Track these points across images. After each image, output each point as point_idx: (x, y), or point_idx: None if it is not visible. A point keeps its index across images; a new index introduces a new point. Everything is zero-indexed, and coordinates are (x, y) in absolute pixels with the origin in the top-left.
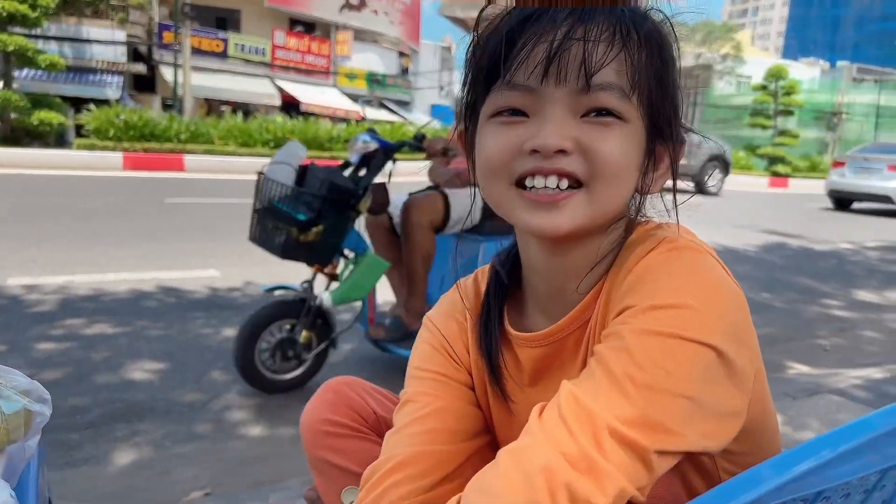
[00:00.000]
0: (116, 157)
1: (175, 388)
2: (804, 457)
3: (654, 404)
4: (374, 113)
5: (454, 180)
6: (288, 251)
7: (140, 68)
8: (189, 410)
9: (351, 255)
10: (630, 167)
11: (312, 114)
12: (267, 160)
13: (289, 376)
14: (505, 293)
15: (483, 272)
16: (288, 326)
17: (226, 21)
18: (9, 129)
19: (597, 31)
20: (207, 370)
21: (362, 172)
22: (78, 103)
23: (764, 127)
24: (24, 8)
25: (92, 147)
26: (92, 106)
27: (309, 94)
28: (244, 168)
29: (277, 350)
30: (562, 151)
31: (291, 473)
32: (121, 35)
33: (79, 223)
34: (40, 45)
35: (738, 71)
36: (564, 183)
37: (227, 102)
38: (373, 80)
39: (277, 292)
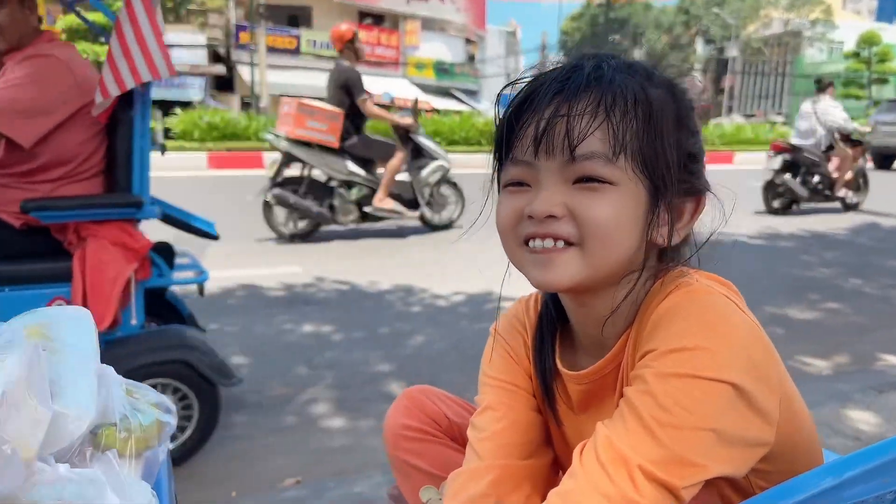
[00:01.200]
0: (201, 157)
1: (263, 381)
2: (827, 474)
3: (679, 442)
4: (441, 103)
5: None
6: None
7: (220, 69)
8: (277, 403)
9: None
10: (622, 227)
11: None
12: None
13: None
14: (555, 327)
15: (538, 296)
16: None
17: (298, 18)
18: None
19: (581, 106)
20: (292, 365)
21: None
22: (164, 106)
23: (858, 97)
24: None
25: (180, 149)
26: (178, 109)
27: (380, 85)
28: None
29: None
30: (552, 216)
31: (374, 464)
32: (201, 39)
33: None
34: None
35: (829, 36)
36: (561, 243)
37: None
38: (440, 69)
39: None
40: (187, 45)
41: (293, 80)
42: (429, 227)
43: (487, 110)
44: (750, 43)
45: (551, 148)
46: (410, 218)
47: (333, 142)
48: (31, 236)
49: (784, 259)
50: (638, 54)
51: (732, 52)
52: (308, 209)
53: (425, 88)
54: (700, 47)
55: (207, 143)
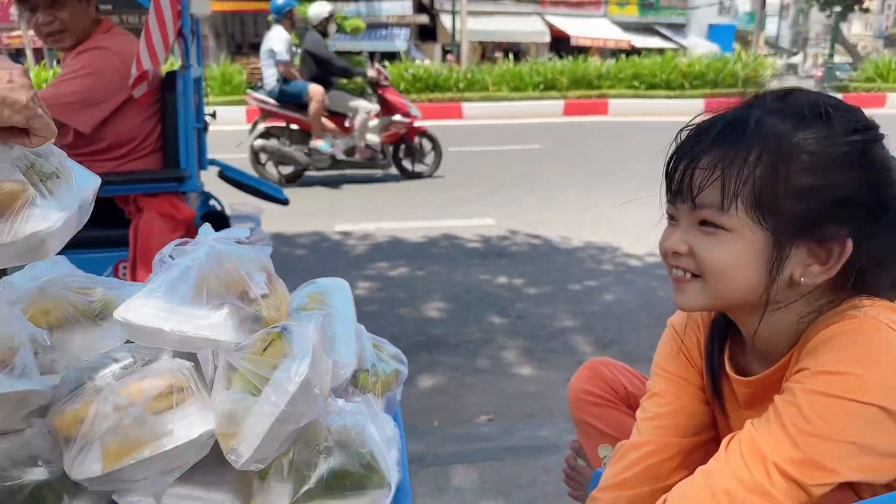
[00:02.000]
0: None
1: (461, 326)
2: None
3: (815, 448)
4: (643, 41)
5: None
6: None
7: (423, 19)
8: (474, 346)
9: None
10: (736, 267)
11: (582, 48)
12: (539, 103)
13: None
14: (726, 332)
15: None
16: None
17: None
18: None
19: (708, 158)
20: (486, 313)
21: None
22: (372, 58)
23: None
24: None
25: None
26: (386, 63)
27: (578, 27)
28: (516, 113)
29: None
30: (676, 253)
31: (559, 412)
32: None
33: (378, 173)
34: (340, 6)
35: None
36: (688, 274)
37: (498, 44)
38: (645, 3)
39: None
40: None
41: (492, 25)
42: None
43: (695, 46)
44: None
45: (682, 193)
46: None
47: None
48: (101, 207)
49: None
50: None
51: None
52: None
53: (626, 26)
54: None
55: (412, 95)
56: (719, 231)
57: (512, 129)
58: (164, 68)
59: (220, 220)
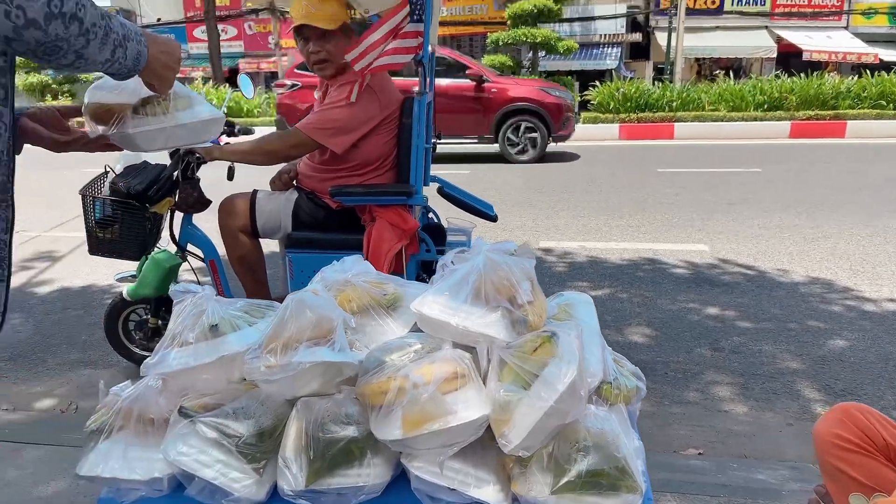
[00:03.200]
0: (614, 128)
1: (669, 354)
2: None
3: None
4: (893, 55)
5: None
6: (93, 248)
7: (636, 37)
8: (683, 377)
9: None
10: None
11: (815, 63)
12: (761, 124)
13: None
14: None
15: None
16: (142, 310)
17: None
18: None
19: None
20: (696, 344)
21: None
22: (583, 77)
23: None
24: (549, 3)
25: (595, 120)
26: (597, 83)
27: (813, 40)
28: (732, 133)
29: (139, 330)
30: None
31: (775, 456)
32: (621, 8)
33: (586, 193)
34: (555, 27)
35: None
36: None
37: (717, 60)
38: None
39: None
40: (608, 15)
41: (711, 41)
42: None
43: None
44: None
45: None
46: None
47: None
48: (343, 215)
49: None
50: None
51: None
52: None
53: (873, 38)
54: None
55: (621, 114)
56: None
57: (729, 151)
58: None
59: (438, 232)
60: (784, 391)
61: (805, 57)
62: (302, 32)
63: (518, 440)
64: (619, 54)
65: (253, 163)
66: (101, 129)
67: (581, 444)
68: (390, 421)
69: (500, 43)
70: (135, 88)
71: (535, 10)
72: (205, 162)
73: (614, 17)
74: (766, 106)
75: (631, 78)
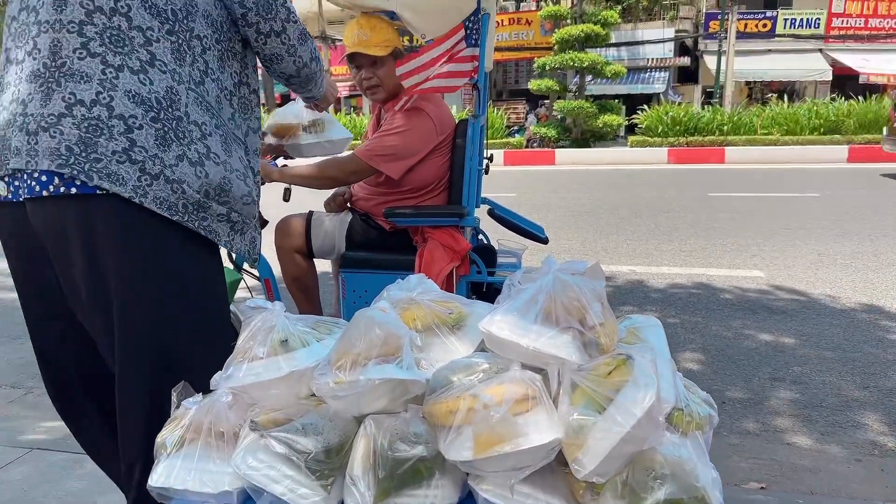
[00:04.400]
0: (662, 151)
1: (727, 383)
2: None
3: None
4: None
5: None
6: None
7: (685, 61)
8: (742, 406)
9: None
10: None
11: (873, 86)
12: (815, 148)
13: None
14: None
15: None
16: None
17: None
18: (579, 133)
19: None
20: (755, 372)
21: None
22: (628, 100)
23: None
24: (596, 28)
25: (643, 144)
26: (645, 107)
27: (871, 63)
28: (786, 158)
29: None
30: None
31: (845, 493)
32: (669, 32)
33: (635, 217)
34: (602, 53)
35: None
36: None
37: (769, 84)
38: None
39: None
40: (656, 40)
41: (762, 64)
42: None
43: None
44: None
45: None
46: None
47: None
48: (396, 236)
49: None
50: None
51: None
52: None
53: None
54: None
55: (669, 138)
56: None
57: (784, 176)
58: (458, 116)
59: (489, 254)
60: (850, 424)
61: (862, 80)
62: (354, 60)
63: (592, 466)
64: (666, 78)
65: (311, 186)
66: (275, 141)
67: (658, 471)
68: (460, 441)
69: (547, 68)
70: (301, 114)
71: (583, 35)
72: (264, 183)
73: (662, 41)
74: (822, 130)
75: (679, 102)
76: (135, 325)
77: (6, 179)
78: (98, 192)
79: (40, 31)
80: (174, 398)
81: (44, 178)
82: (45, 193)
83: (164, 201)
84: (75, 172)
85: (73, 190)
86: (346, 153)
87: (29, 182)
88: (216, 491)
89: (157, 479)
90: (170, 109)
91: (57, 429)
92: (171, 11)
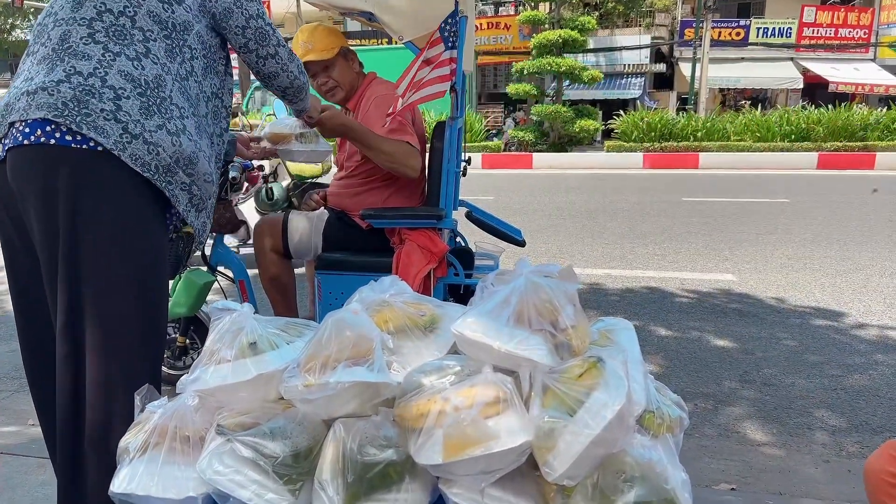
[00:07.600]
0: (637, 156)
1: (698, 385)
2: None
3: None
4: None
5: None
6: None
7: (660, 68)
8: (713, 408)
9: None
10: None
11: (842, 95)
12: (787, 155)
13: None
14: None
15: None
16: (171, 328)
17: (749, 7)
18: (556, 137)
19: None
20: (725, 375)
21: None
22: (604, 105)
23: None
24: (574, 34)
25: (619, 148)
26: (621, 112)
27: (839, 72)
28: (758, 164)
29: (167, 348)
30: None
31: (815, 495)
32: (645, 39)
33: (610, 220)
34: (580, 58)
35: None
36: None
37: (742, 91)
38: None
39: None
40: (632, 46)
41: (735, 72)
42: None
43: None
44: None
45: None
46: None
47: None
48: (373, 236)
49: None
50: None
51: None
52: None
53: None
54: None
55: (644, 143)
56: None
57: (756, 181)
58: (435, 119)
59: (466, 256)
60: (819, 426)
61: (831, 88)
62: (309, 70)
63: (563, 468)
64: (642, 84)
65: (367, 151)
66: (269, 145)
67: (628, 474)
68: (430, 445)
69: (525, 72)
70: (294, 126)
71: (560, 41)
72: (241, 188)
73: (638, 47)
74: (792, 136)
75: (654, 108)
76: (80, 266)
77: (3, 142)
78: (73, 145)
79: (55, 25)
80: (137, 401)
81: (27, 129)
82: (25, 143)
83: (140, 159)
84: (67, 122)
85: (52, 141)
86: (392, 140)
87: (14, 134)
88: (180, 497)
89: (120, 484)
90: (156, 90)
91: (21, 433)
92: (172, 23)
